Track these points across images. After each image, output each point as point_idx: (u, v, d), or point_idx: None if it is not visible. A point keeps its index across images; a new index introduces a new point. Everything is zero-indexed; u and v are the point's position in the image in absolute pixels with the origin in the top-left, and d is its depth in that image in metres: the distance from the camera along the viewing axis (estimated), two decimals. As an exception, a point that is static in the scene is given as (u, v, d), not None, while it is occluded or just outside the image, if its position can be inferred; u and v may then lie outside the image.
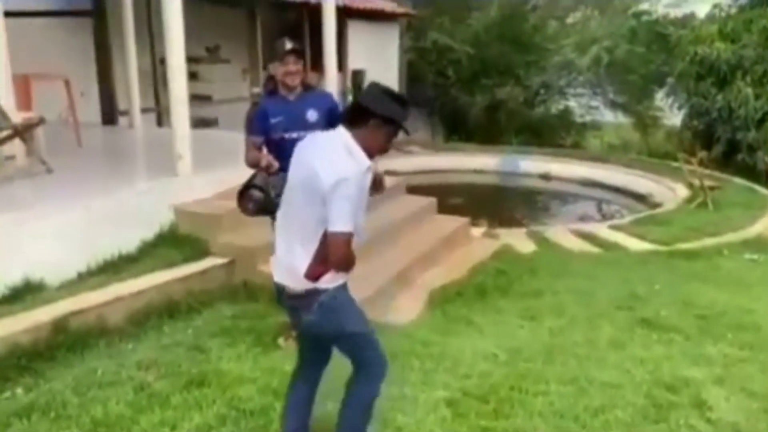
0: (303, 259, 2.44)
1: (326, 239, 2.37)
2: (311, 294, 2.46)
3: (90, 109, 7.91)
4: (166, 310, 4.22)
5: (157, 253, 4.72)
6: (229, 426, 2.96)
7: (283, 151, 3.72)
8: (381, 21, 13.32)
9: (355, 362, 2.58)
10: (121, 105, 8.28)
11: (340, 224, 2.32)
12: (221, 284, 4.67)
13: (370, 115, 2.43)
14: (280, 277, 2.54)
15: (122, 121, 8.29)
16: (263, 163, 3.65)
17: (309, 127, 3.63)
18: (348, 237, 2.35)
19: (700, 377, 3.62)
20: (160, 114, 9.35)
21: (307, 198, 2.41)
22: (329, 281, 2.47)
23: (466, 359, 3.82)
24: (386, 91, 2.50)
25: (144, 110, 8.27)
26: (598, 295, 5.07)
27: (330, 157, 2.38)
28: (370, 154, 2.44)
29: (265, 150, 3.80)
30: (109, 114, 8.28)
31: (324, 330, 2.54)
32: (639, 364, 3.78)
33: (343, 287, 2.53)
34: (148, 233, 4.82)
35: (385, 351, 2.61)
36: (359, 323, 2.57)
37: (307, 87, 3.80)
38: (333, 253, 2.37)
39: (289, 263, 2.48)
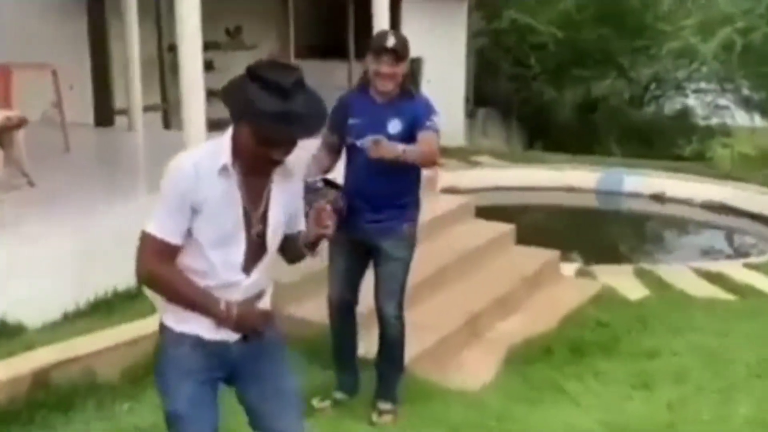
0: None
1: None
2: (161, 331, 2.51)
3: (80, 106, 8.15)
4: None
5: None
6: None
7: (353, 161, 3.85)
8: (444, -3, 13.44)
9: None
10: (119, 102, 8.52)
11: (148, 221, 2.36)
12: (240, 331, 4.73)
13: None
14: None
15: (119, 121, 8.53)
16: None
17: (388, 139, 3.67)
18: (148, 241, 2.34)
19: None
20: (167, 113, 9.59)
21: None
22: (166, 314, 2.46)
23: (556, 439, 3.78)
24: (255, 71, 2.27)
25: (147, 108, 8.48)
26: (732, 358, 4.99)
27: None
28: (244, 157, 2.31)
29: (343, 155, 3.90)
30: (104, 113, 8.52)
31: None
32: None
33: (180, 339, 2.41)
34: (151, 264, 4.92)
35: None
36: (163, 393, 2.49)
37: (404, 91, 3.81)
38: (136, 257, 2.39)
39: None
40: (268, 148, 2.27)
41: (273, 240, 2.44)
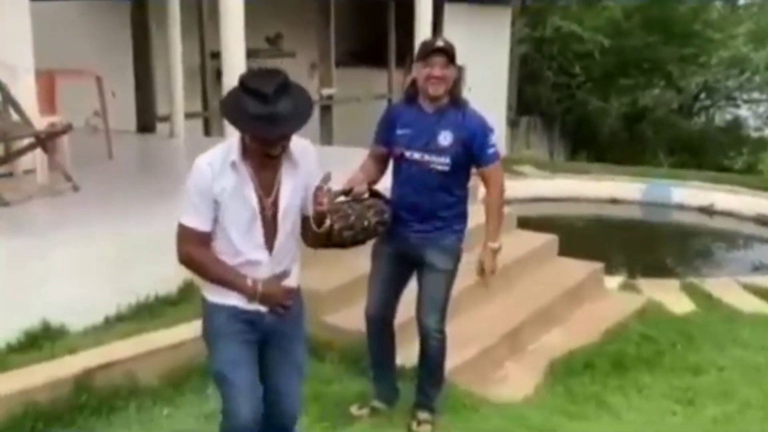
0: None
1: None
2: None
3: (123, 113, 8.33)
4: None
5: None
6: None
7: (401, 172, 3.85)
8: (487, 3, 13.47)
9: None
10: (161, 109, 8.68)
11: (181, 213, 2.80)
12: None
13: None
14: None
15: (161, 128, 8.69)
16: (346, 183, 3.77)
17: (438, 151, 3.72)
18: (182, 230, 2.80)
19: None
20: (208, 120, 9.75)
21: None
22: (206, 291, 2.92)
23: (598, 453, 3.78)
24: (242, 81, 2.65)
25: (188, 115, 8.63)
26: (780, 375, 4.93)
27: None
28: (251, 158, 2.72)
29: (390, 166, 3.94)
30: (146, 119, 8.69)
31: None
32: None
33: (218, 310, 2.86)
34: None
35: (242, 408, 2.81)
36: (214, 359, 2.93)
37: (456, 102, 3.81)
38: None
39: None
40: (260, 145, 2.66)
41: (283, 222, 2.81)
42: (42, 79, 6.34)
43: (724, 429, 4.16)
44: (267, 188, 2.77)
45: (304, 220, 2.88)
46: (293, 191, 2.81)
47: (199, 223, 2.76)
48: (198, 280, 2.93)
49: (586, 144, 16.02)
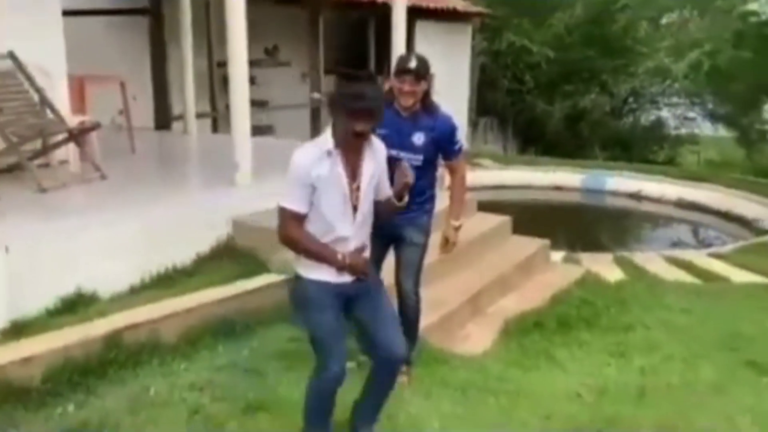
0: None
1: None
2: (294, 279, 2.98)
3: (143, 113, 8.25)
4: (221, 328, 4.35)
5: (212, 267, 4.89)
6: (291, 456, 3.04)
7: None
8: (452, 21, 13.42)
9: None
10: (176, 110, 8.60)
11: (282, 199, 2.81)
12: (279, 303, 4.76)
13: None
14: None
15: (176, 126, 8.61)
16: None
17: (412, 149, 3.72)
18: (284, 213, 2.82)
19: (819, 431, 3.50)
20: (216, 120, 9.68)
21: None
22: (301, 268, 2.92)
23: (546, 398, 3.81)
24: (343, 74, 2.96)
25: (199, 115, 8.57)
26: (697, 332, 4.98)
27: None
28: (340, 140, 2.80)
29: None
30: (163, 119, 8.62)
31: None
32: (745, 412, 3.70)
33: (317, 286, 2.89)
34: (204, 246, 5.00)
35: (334, 364, 2.92)
36: (309, 323, 2.97)
37: (427, 108, 3.80)
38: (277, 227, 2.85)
39: None
40: (354, 121, 2.74)
41: (363, 202, 2.90)
42: (73, 84, 6.28)
43: (650, 377, 4.18)
44: (353, 174, 2.86)
45: (377, 203, 3.00)
46: (371, 177, 2.91)
47: (299, 206, 2.80)
48: (292, 259, 2.96)
49: (535, 140, 16.06)
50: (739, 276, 6.65)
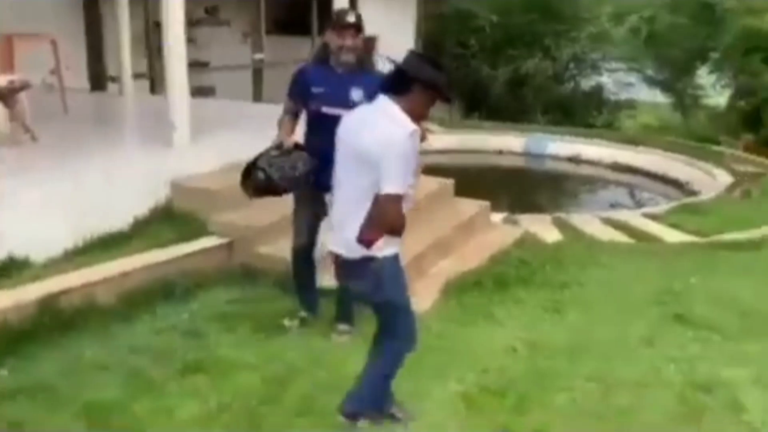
0: (356, 226, 2.80)
1: (377, 202, 2.73)
2: (365, 261, 2.85)
3: (77, 73, 7.98)
4: (159, 291, 4.31)
5: (150, 230, 4.81)
6: (230, 415, 3.06)
7: (318, 126, 3.80)
8: (397, -17, 13.30)
9: (386, 332, 3.03)
10: (111, 70, 8.35)
11: (389, 186, 2.68)
12: (218, 266, 4.76)
13: (412, 82, 2.75)
14: (336, 245, 2.93)
15: (111, 87, 8.37)
16: (275, 139, 3.73)
17: (350, 106, 3.66)
18: (397, 198, 2.70)
19: (738, 378, 3.69)
20: (154, 80, 9.43)
21: (357, 170, 2.79)
22: (381, 249, 2.83)
23: (483, 353, 3.91)
24: (425, 58, 2.86)
25: (136, 76, 8.34)
26: (629, 289, 5.14)
27: (374, 126, 2.75)
28: (413, 120, 2.75)
29: (302, 123, 3.88)
30: (98, 79, 8.36)
31: (370, 298, 3.00)
32: (671, 363, 3.85)
33: (395, 258, 2.91)
34: (142, 209, 4.91)
35: (416, 332, 3.03)
36: (401, 296, 2.98)
37: (361, 63, 3.80)
38: (384, 214, 2.73)
39: (343, 232, 2.86)
40: (429, 108, 2.84)
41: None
42: (1, 42, 6.02)
43: (584, 332, 4.30)
44: None
45: None
46: None
47: (402, 187, 2.73)
48: (378, 246, 2.85)
49: (479, 105, 16.10)
50: (671, 235, 6.87)
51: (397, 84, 2.79)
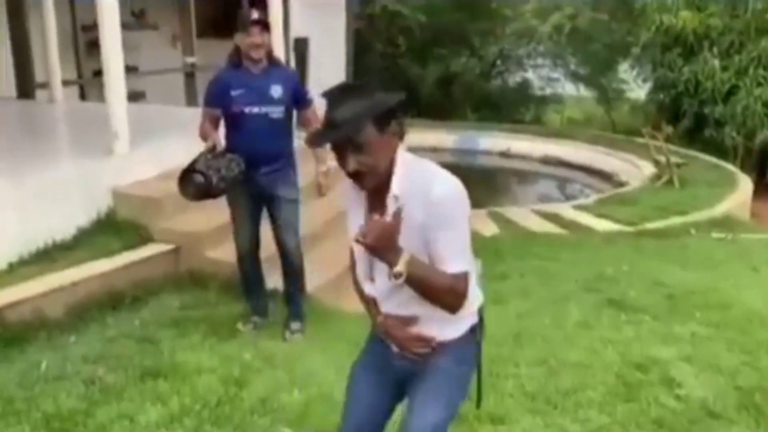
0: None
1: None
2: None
3: (2, 80, 7.76)
4: (108, 301, 4.31)
5: (94, 240, 4.78)
6: (192, 417, 3.12)
7: (242, 127, 3.89)
8: (325, -16, 13.34)
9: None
10: (39, 77, 8.13)
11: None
12: (166, 273, 4.77)
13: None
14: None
15: (40, 95, 8.15)
16: (208, 143, 3.80)
17: (272, 102, 3.85)
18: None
19: (669, 356, 3.96)
20: (83, 87, 9.23)
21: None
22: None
23: (433, 344, 4.05)
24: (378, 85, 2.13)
25: (65, 83, 8.14)
26: (565, 277, 5.40)
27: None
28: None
29: (222, 128, 3.94)
30: (26, 86, 8.12)
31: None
32: (608, 345, 4.10)
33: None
34: (84, 219, 4.87)
35: None
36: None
37: (272, 61, 3.94)
38: None
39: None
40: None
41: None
42: None
43: (526, 320, 4.51)
44: None
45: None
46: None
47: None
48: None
49: (409, 103, 16.36)
50: (601, 225, 7.24)
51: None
